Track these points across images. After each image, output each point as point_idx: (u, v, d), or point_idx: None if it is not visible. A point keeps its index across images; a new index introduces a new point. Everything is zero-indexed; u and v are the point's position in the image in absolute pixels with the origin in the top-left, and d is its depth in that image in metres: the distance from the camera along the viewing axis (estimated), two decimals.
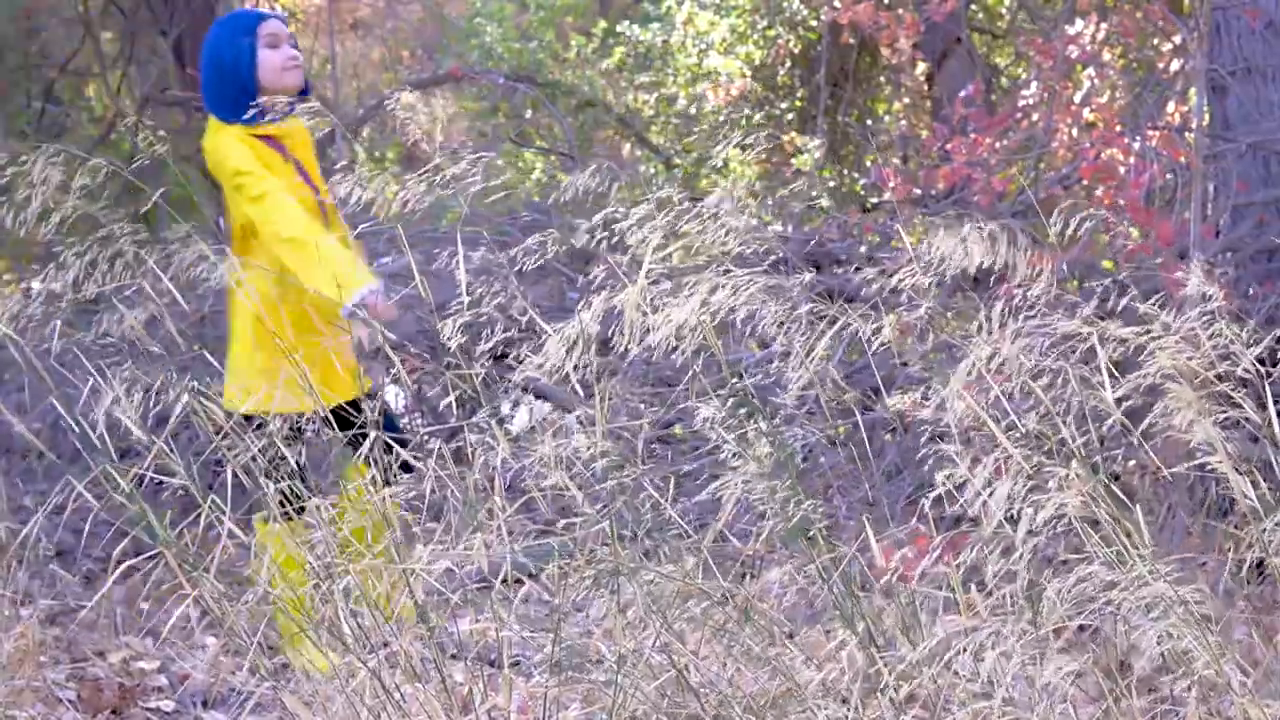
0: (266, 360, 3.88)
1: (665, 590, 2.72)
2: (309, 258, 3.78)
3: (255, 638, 2.83)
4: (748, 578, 3.05)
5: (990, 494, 2.42)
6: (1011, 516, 2.43)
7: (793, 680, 2.67)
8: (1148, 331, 2.51)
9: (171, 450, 2.77)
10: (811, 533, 2.71)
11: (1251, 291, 5.15)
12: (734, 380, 2.79)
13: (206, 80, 4.04)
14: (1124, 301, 2.66)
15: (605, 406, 2.80)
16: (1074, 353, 2.57)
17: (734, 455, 2.74)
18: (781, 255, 7.46)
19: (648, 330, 2.67)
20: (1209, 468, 2.43)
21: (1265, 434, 2.48)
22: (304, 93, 4.06)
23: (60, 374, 3.04)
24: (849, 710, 2.56)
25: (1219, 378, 2.49)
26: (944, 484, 2.46)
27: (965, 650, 2.40)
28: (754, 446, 2.73)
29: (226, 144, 3.95)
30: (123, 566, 2.71)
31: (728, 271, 2.71)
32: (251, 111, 3.85)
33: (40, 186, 3.00)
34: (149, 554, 2.82)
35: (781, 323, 2.72)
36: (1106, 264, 6.46)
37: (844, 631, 2.64)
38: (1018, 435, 2.55)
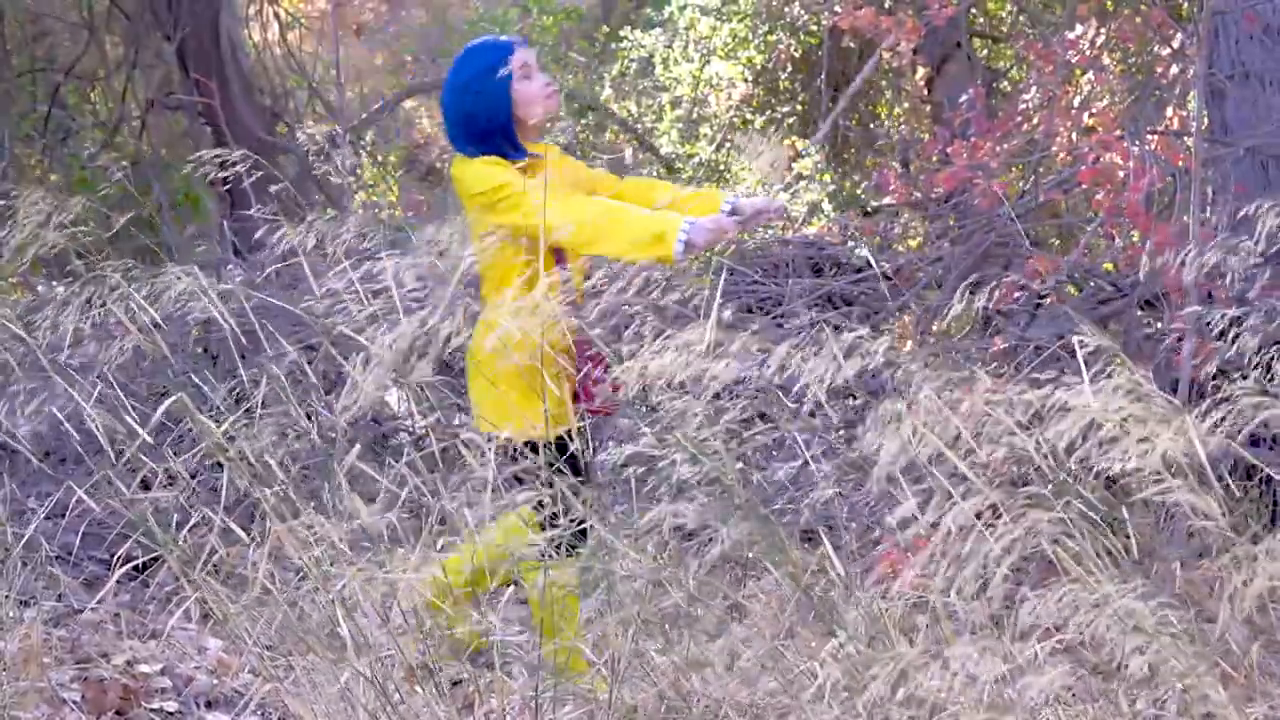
0: (506, 391, 3.73)
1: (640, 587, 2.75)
2: (603, 233, 3.64)
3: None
4: (744, 581, 3.07)
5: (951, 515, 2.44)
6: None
7: (789, 681, 2.69)
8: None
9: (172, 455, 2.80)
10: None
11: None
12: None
13: (454, 118, 3.85)
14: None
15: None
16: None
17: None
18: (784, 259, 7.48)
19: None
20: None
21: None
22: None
23: (63, 375, 3.07)
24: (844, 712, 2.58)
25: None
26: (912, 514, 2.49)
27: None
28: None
29: (478, 167, 3.79)
30: (125, 568, 2.73)
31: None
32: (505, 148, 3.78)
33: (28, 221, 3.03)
34: (152, 555, 2.85)
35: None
36: (1107, 266, 6.49)
37: (841, 634, 2.66)
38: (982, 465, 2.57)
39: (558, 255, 3.81)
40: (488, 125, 3.80)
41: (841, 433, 4.88)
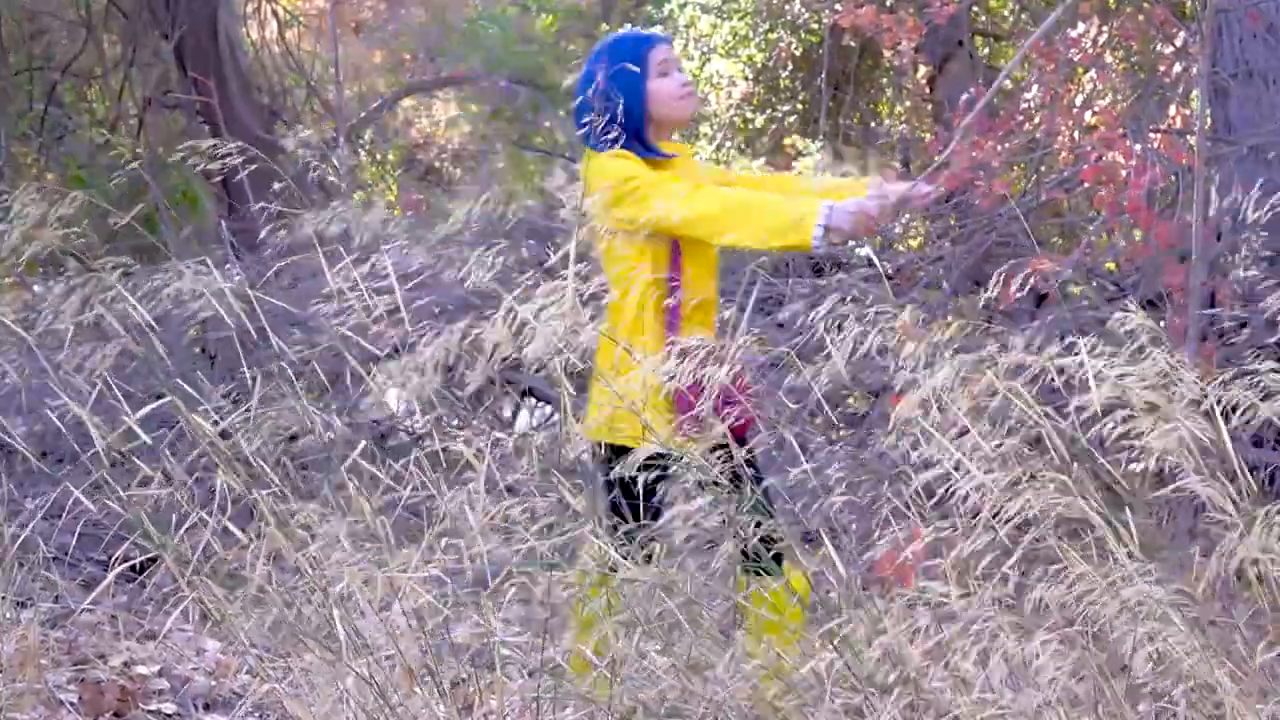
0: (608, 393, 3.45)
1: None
2: (737, 221, 3.47)
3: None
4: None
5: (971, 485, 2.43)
6: (998, 513, 2.45)
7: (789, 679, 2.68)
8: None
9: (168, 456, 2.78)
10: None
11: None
12: None
13: (584, 111, 3.62)
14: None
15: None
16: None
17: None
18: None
19: None
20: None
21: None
22: None
23: (57, 372, 3.05)
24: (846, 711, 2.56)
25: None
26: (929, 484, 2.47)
27: (960, 650, 2.41)
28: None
29: (603, 161, 3.59)
30: (122, 568, 2.71)
31: None
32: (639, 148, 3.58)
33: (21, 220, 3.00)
34: (149, 556, 2.82)
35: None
36: (1110, 265, 6.47)
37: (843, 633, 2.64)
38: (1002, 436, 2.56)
39: (674, 260, 3.61)
40: (621, 123, 3.55)
41: (844, 431, 4.86)
